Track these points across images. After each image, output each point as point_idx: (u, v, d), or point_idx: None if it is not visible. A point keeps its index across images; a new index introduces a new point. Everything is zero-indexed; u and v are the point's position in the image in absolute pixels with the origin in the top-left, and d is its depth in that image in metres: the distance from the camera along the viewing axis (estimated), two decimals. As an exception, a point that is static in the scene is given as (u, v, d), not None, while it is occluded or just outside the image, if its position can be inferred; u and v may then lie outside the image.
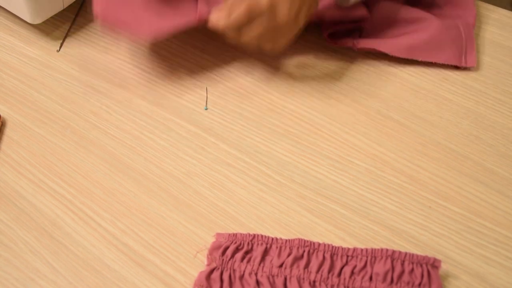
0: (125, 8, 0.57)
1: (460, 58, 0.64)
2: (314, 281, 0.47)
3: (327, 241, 0.51)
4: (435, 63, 0.66)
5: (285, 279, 0.47)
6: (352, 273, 0.47)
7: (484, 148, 0.58)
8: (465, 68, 0.66)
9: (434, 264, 0.47)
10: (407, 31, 0.65)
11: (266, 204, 0.54)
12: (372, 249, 0.48)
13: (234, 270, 0.48)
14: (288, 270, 0.48)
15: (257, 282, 0.47)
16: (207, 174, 0.57)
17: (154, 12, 0.58)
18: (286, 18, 0.55)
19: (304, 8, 0.56)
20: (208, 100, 0.63)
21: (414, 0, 0.69)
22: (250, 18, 0.54)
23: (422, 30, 0.65)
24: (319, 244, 0.49)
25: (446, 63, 0.64)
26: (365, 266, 0.48)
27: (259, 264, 0.48)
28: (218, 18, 0.55)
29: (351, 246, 0.49)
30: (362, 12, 0.64)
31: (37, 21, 0.68)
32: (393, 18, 0.66)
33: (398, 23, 0.65)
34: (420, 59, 0.65)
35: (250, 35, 0.56)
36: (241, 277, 0.48)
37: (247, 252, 0.49)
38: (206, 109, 0.62)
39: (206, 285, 0.47)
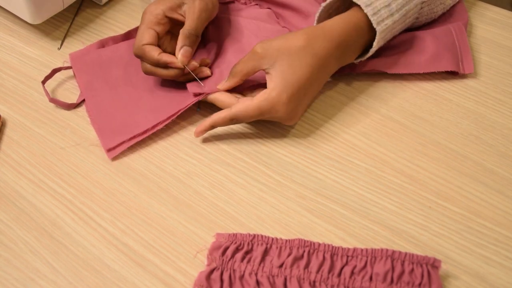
0: (123, 130, 0.59)
1: (457, 65, 0.64)
2: (314, 281, 0.47)
3: (327, 241, 0.51)
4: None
5: (285, 279, 0.47)
6: (352, 273, 0.47)
7: (484, 148, 0.58)
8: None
9: (434, 264, 0.47)
10: (401, 50, 0.64)
11: (266, 204, 0.54)
12: (372, 249, 0.48)
13: (234, 270, 0.48)
14: (288, 270, 0.48)
15: (257, 282, 0.47)
16: (207, 174, 0.57)
17: (149, 111, 0.60)
18: (286, 120, 0.57)
19: (303, 107, 0.58)
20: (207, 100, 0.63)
21: None
22: (257, 117, 0.56)
23: (417, 47, 0.64)
24: (319, 244, 0.49)
25: (445, 70, 0.63)
26: (365, 266, 0.48)
27: (259, 264, 0.48)
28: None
29: (351, 246, 0.49)
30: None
31: (37, 21, 0.68)
32: (387, 44, 0.65)
33: (392, 44, 0.65)
34: (419, 72, 0.64)
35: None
36: (241, 277, 0.48)
37: (247, 252, 0.49)
38: (199, 110, 0.62)
39: (206, 285, 0.47)
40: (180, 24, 0.60)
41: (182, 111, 0.59)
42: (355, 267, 0.48)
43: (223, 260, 0.48)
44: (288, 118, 0.57)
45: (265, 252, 0.49)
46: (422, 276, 0.47)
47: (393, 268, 0.47)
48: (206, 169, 0.57)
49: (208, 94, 0.59)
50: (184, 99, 0.60)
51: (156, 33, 0.59)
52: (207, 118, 0.58)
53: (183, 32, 0.58)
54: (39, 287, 0.49)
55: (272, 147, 0.59)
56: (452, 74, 0.65)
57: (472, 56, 0.66)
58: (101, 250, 0.51)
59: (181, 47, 0.58)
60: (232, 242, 0.49)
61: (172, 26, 0.61)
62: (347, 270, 0.47)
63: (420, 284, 0.46)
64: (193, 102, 0.60)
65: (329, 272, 0.48)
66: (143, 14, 0.60)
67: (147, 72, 0.60)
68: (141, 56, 0.59)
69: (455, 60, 0.64)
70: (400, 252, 0.47)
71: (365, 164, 0.57)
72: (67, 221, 0.53)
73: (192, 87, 0.60)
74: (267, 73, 0.56)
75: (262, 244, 0.49)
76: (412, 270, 0.47)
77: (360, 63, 0.63)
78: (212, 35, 0.67)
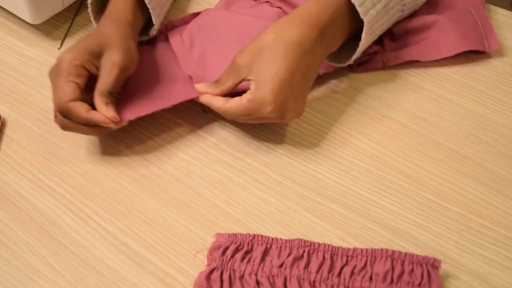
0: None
1: (483, 43, 0.65)
2: (314, 281, 0.47)
3: (327, 241, 0.51)
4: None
5: (285, 279, 0.47)
6: (352, 273, 0.47)
7: (484, 148, 0.58)
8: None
9: (434, 264, 0.47)
10: (425, 36, 0.65)
11: (266, 204, 0.54)
12: (372, 249, 0.48)
13: (234, 270, 0.48)
14: (288, 270, 0.48)
15: (257, 282, 0.47)
16: (207, 174, 0.57)
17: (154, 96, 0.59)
18: (278, 119, 0.55)
19: (298, 105, 0.56)
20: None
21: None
22: (245, 118, 0.56)
23: (441, 31, 0.65)
24: (319, 244, 0.49)
25: (471, 49, 0.65)
26: (365, 266, 0.48)
27: (259, 264, 0.48)
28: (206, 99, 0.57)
29: (351, 246, 0.49)
30: (374, 49, 0.65)
31: (37, 21, 0.68)
32: (409, 29, 0.66)
33: (415, 32, 0.66)
34: (449, 55, 0.65)
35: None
36: (241, 277, 0.48)
37: (247, 252, 0.49)
38: (205, 114, 0.62)
39: (206, 285, 0.47)
40: (94, 76, 0.55)
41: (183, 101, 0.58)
42: (355, 267, 0.48)
43: (223, 260, 0.48)
44: (280, 115, 0.54)
45: (265, 252, 0.49)
46: (422, 276, 0.47)
47: (393, 268, 0.47)
48: (206, 169, 0.57)
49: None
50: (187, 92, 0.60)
51: (78, 86, 0.53)
52: (207, 96, 0.57)
53: (100, 93, 0.53)
54: (39, 287, 0.49)
55: (272, 147, 0.59)
56: (452, 72, 0.65)
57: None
58: (101, 250, 0.51)
59: (106, 105, 0.53)
60: (232, 242, 0.49)
61: (90, 80, 0.55)
62: (347, 270, 0.47)
63: (420, 284, 0.46)
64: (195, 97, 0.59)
65: (329, 272, 0.48)
66: (59, 63, 0.53)
67: (65, 129, 0.55)
68: (66, 114, 0.53)
69: (480, 39, 0.65)
70: (400, 252, 0.47)
71: (365, 164, 0.57)
72: (67, 221, 0.53)
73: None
74: (249, 79, 0.54)
75: (262, 244, 0.49)
76: (412, 270, 0.47)
77: (391, 56, 0.65)
78: (217, 33, 0.66)
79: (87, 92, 0.54)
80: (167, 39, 0.67)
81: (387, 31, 0.65)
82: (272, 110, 0.53)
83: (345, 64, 0.61)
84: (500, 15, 0.72)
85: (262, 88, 0.52)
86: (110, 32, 0.57)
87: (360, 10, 0.55)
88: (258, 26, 0.65)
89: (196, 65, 0.63)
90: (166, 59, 0.65)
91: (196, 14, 0.70)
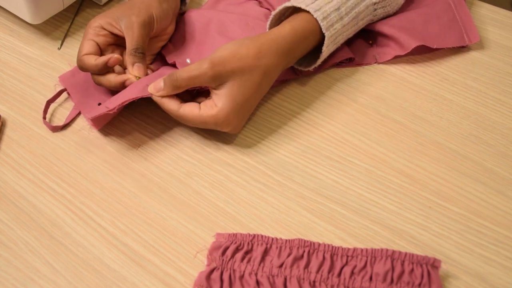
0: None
1: (463, 38, 0.66)
2: (314, 281, 0.47)
3: (327, 241, 0.51)
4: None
5: (285, 279, 0.47)
6: (352, 273, 0.47)
7: (484, 148, 0.58)
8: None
9: (434, 264, 0.47)
10: (408, 30, 0.65)
11: (266, 204, 0.54)
12: (372, 249, 0.48)
13: (234, 270, 0.48)
14: (288, 270, 0.48)
15: (257, 282, 0.47)
16: (207, 174, 0.57)
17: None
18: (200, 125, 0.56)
19: (246, 115, 0.58)
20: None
21: None
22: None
23: (420, 26, 0.66)
24: (319, 244, 0.49)
25: (451, 46, 0.65)
26: (365, 266, 0.48)
27: (259, 264, 0.48)
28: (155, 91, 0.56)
29: (351, 246, 0.49)
30: (346, 54, 0.65)
31: (37, 21, 0.68)
32: (394, 25, 0.66)
33: (394, 25, 0.66)
34: (432, 46, 0.65)
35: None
36: (241, 277, 0.48)
37: (247, 252, 0.49)
38: None
39: (206, 285, 0.47)
40: (122, 37, 0.61)
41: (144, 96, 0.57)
42: (355, 267, 0.48)
43: (223, 260, 0.48)
44: (232, 131, 0.57)
45: (265, 252, 0.49)
46: (422, 276, 0.47)
47: (393, 268, 0.47)
48: (206, 169, 0.57)
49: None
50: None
51: (96, 44, 0.60)
52: (158, 97, 0.55)
53: (127, 54, 0.59)
54: (39, 287, 0.49)
55: (272, 147, 0.59)
56: (452, 72, 0.65)
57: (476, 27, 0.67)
58: (101, 250, 0.51)
59: (132, 65, 0.59)
60: (232, 242, 0.49)
61: (115, 39, 0.62)
62: (347, 270, 0.47)
63: (420, 284, 0.46)
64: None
65: (329, 272, 0.48)
66: (85, 30, 0.61)
67: (96, 83, 0.60)
68: (82, 67, 0.59)
69: (459, 35, 0.66)
70: (400, 252, 0.47)
71: (365, 164, 0.57)
72: (67, 221, 0.53)
73: None
74: (215, 89, 0.54)
75: (262, 244, 0.49)
76: (412, 270, 0.47)
77: (382, 52, 0.66)
78: (199, 28, 0.67)
79: (118, 50, 0.62)
80: None
81: (378, 27, 0.66)
82: (229, 129, 0.56)
83: (306, 69, 0.63)
84: (500, 15, 0.72)
85: (228, 111, 0.54)
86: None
87: (322, 24, 0.58)
88: (241, 23, 0.66)
89: (183, 57, 0.64)
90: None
91: (181, 15, 0.70)
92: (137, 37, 0.59)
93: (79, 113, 0.62)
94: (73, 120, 0.62)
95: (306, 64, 0.63)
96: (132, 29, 0.59)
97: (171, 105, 0.55)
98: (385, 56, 0.66)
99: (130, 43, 0.59)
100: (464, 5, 0.68)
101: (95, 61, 0.58)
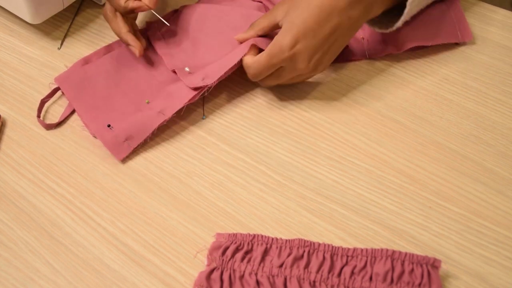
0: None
1: (456, 35, 0.66)
2: (314, 281, 0.47)
3: (327, 241, 0.51)
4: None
5: (285, 279, 0.47)
6: (352, 273, 0.47)
7: (484, 148, 0.58)
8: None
9: (434, 264, 0.47)
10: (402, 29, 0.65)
11: (266, 204, 0.54)
12: (372, 249, 0.48)
13: (234, 270, 0.48)
14: (288, 270, 0.48)
15: (257, 282, 0.47)
16: (207, 174, 0.57)
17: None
18: (305, 70, 0.57)
19: (325, 59, 0.57)
20: (208, 100, 0.63)
21: None
22: (270, 67, 0.56)
23: (414, 23, 0.66)
24: (319, 244, 0.49)
25: (444, 42, 0.66)
26: (365, 266, 0.48)
27: (259, 264, 0.48)
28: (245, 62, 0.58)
29: (351, 246, 0.49)
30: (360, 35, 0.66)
31: (37, 21, 0.68)
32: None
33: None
34: (427, 44, 0.65)
35: (269, 82, 0.59)
36: (241, 277, 0.48)
37: (247, 252, 0.49)
38: (204, 118, 0.62)
39: (206, 285, 0.47)
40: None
41: (186, 104, 0.58)
42: (355, 267, 0.48)
43: (223, 260, 0.48)
44: (298, 64, 0.55)
45: (265, 252, 0.49)
46: (422, 276, 0.47)
47: (393, 268, 0.47)
48: (206, 169, 0.57)
49: (210, 87, 0.58)
50: (184, 95, 0.59)
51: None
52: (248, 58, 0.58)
53: None
54: (39, 287, 0.49)
55: (272, 147, 0.59)
56: (452, 72, 0.65)
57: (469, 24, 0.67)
58: (101, 250, 0.51)
59: None
60: (232, 242, 0.49)
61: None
62: (347, 270, 0.47)
63: (420, 284, 0.46)
64: (196, 97, 0.59)
65: (329, 272, 0.48)
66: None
67: (120, 37, 0.62)
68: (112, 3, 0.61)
69: (452, 31, 0.66)
70: (400, 252, 0.47)
71: (365, 164, 0.57)
72: (67, 221, 0.53)
73: (191, 81, 0.59)
74: (281, 25, 0.56)
75: (262, 244, 0.49)
76: (412, 270, 0.47)
77: (373, 49, 0.66)
78: (193, 23, 0.67)
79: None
80: (149, 43, 0.68)
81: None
82: (291, 56, 0.54)
83: (388, 31, 0.62)
84: (500, 15, 0.72)
85: (285, 32, 0.54)
86: None
87: None
88: (237, 16, 0.66)
89: (181, 61, 0.64)
90: (151, 63, 0.66)
91: (175, 11, 0.70)
92: None
93: (74, 111, 0.62)
94: (73, 120, 0.62)
95: (384, 26, 0.63)
96: None
97: (247, 59, 0.58)
98: (377, 53, 0.66)
99: None
100: (457, 4, 0.68)
101: (124, 3, 0.59)
